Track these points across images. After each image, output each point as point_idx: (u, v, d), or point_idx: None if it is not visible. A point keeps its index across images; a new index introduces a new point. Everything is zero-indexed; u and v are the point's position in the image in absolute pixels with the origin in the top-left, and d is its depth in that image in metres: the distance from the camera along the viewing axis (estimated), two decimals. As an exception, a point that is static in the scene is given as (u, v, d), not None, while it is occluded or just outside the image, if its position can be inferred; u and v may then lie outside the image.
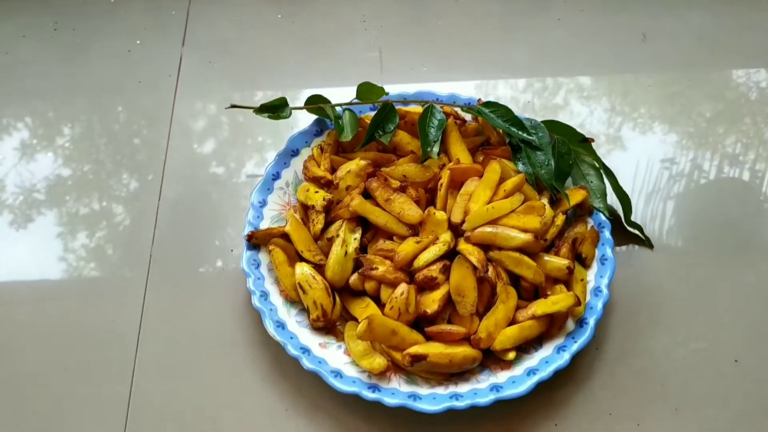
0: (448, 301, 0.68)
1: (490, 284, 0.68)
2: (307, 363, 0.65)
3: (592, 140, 0.80)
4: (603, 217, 0.75)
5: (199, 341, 0.72)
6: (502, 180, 0.73)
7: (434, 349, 0.65)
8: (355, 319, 0.68)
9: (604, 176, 0.78)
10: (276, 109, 0.78)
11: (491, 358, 0.67)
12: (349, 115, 0.79)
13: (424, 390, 0.65)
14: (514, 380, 0.65)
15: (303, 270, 0.69)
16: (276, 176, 0.78)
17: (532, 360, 0.67)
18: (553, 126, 0.79)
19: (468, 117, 0.82)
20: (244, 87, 0.94)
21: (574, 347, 0.66)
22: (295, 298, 0.70)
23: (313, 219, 0.74)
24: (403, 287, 0.67)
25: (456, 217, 0.71)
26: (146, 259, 0.77)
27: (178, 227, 0.80)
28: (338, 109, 0.80)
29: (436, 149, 0.76)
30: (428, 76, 0.94)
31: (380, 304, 0.69)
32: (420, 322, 0.68)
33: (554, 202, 0.75)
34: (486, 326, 0.66)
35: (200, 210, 0.82)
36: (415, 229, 0.72)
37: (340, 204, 0.74)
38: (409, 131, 0.80)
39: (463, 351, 0.65)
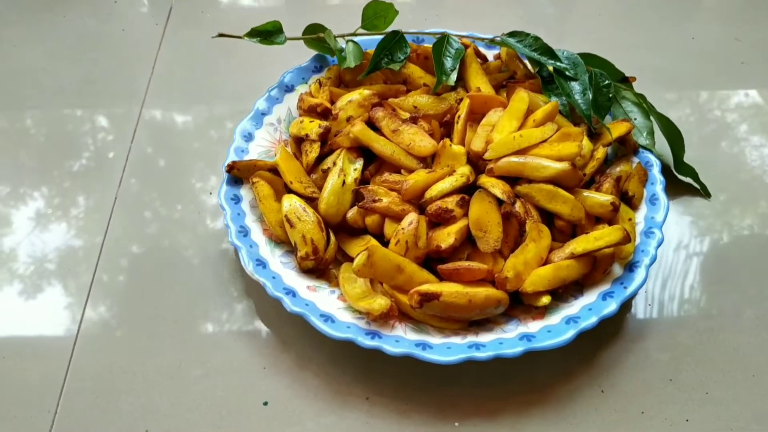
0: (467, 238, 0.55)
1: (517, 221, 0.56)
2: (291, 305, 0.52)
3: (634, 79, 0.69)
4: (651, 156, 0.63)
5: (164, 290, 0.59)
6: (530, 113, 0.62)
7: (449, 288, 0.52)
8: (353, 261, 0.56)
9: (650, 114, 0.66)
10: (269, 34, 0.68)
11: (519, 307, 0.54)
12: (353, 46, 0.68)
13: (436, 339, 0.52)
14: (549, 329, 0.52)
15: (292, 202, 0.57)
16: (266, 112, 0.67)
17: (572, 308, 0.53)
18: (589, 59, 0.68)
19: (490, 56, 0.72)
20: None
21: (625, 293, 0.53)
22: (281, 237, 0.58)
23: (307, 149, 0.62)
24: (412, 216, 0.55)
25: (477, 146, 0.59)
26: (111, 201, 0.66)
27: (151, 167, 0.69)
28: (341, 42, 0.69)
29: (453, 76, 0.65)
30: (442, 26, 0.84)
31: (384, 244, 0.56)
32: (431, 263, 0.56)
33: (593, 137, 0.63)
34: (513, 264, 0.53)
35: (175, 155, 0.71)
36: (427, 163, 0.60)
37: (339, 134, 0.62)
38: (422, 66, 0.69)
39: (485, 291, 0.52)
